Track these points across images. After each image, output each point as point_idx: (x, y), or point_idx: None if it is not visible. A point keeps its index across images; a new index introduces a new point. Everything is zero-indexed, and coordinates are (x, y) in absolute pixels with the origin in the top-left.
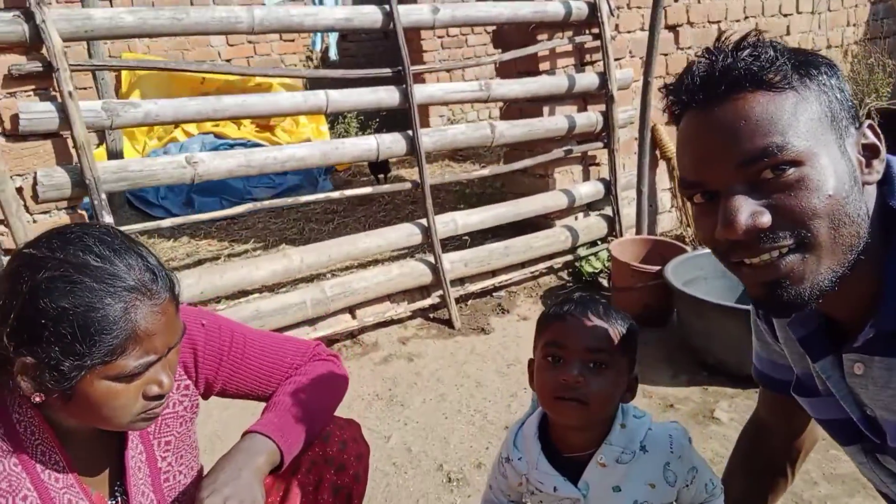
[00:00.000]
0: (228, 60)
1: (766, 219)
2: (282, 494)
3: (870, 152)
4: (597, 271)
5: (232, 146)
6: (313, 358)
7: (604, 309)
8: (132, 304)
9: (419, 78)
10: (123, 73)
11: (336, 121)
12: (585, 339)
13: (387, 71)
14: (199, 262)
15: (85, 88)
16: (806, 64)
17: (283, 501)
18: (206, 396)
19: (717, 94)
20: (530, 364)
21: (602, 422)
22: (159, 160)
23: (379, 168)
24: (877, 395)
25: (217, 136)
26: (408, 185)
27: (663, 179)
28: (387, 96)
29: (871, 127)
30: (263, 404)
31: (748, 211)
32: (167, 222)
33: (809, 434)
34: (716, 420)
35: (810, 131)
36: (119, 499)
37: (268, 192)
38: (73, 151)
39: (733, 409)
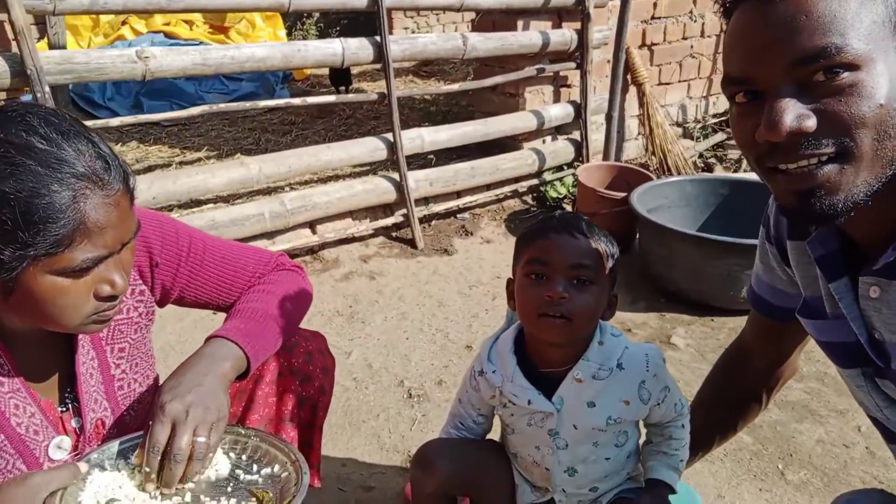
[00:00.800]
0: None
1: (811, 122)
2: (244, 404)
3: None
4: (561, 196)
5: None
6: (277, 268)
7: (586, 226)
8: (81, 193)
9: None
10: None
11: (294, 26)
12: (569, 255)
13: None
14: (150, 169)
15: None
16: None
17: (245, 411)
18: (162, 304)
19: None
20: (509, 283)
21: (581, 338)
22: (108, 52)
23: (340, 78)
24: (890, 318)
25: (167, 35)
26: (374, 96)
27: (632, 106)
28: None
29: None
30: (221, 316)
31: (794, 113)
32: (115, 121)
33: (790, 363)
34: (672, 346)
35: (872, 34)
36: (70, 406)
37: (221, 98)
38: (11, 39)
39: (689, 335)
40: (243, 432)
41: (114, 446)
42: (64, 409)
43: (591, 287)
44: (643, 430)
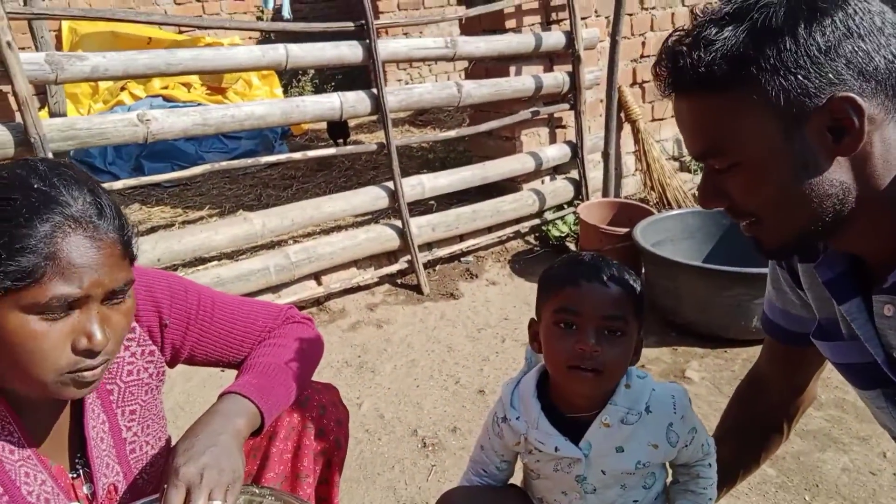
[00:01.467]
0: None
1: (719, 205)
2: (259, 462)
3: (838, 132)
4: (563, 235)
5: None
6: (287, 321)
7: (617, 271)
8: (61, 229)
9: (380, 35)
10: (64, 32)
11: (290, 83)
12: (601, 306)
13: (349, 24)
14: (153, 230)
15: (23, 49)
16: (760, 44)
17: (260, 469)
18: (172, 364)
19: (669, 89)
20: (532, 324)
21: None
22: (109, 117)
23: (338, 132)
24: None
25: (166, 98)
26: (373, 147)
27: (628, 142)
28: (349, 52)
29: (843, 101)
30: (230, 374)
31: (706, 194)
32: (118, 184)
33: (809, 390)
34: (687, 380)
35: (747, 130)
36: (81, 471)
37: (221, 157)
38: (14, 109)
39: (703, 368)
40: (258, 491)
41: None
42: (75, 475)
43: (623, 338)
44: (669, 470)
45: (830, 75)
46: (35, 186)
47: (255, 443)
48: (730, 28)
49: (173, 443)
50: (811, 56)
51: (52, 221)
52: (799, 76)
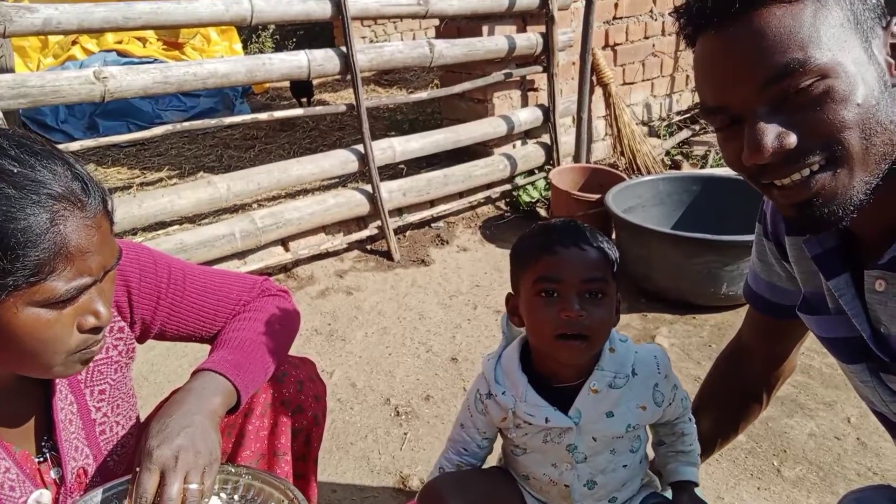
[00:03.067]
0: None
1: (792, 139)
2: (234, 440)
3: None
4: (534, 200)
5: (137, 65)
6: (262, 293)
7: (590, 234)
8: (60, 215)
9: None
10: None
11: (249, 39)
12: (581, 269)
13: None
14: (110, 192)
15: None
16: None
17: (236, 447)
18: (142, 340)
19: (731, 13)
20: (510, 298)
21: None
22: (64, 74)
23: (302, 91)
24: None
25: (120, 53)
26: (342, 108)
27: (599, 106)
28: (317, 7)
29: None
30: (195, 344)
31: (773, 133)
32: (75, 145)
33: (790, 361)
34: (657, 346)
35: (832, 39)
36: (48, 455)
37: (179, 115)
38: None
39: (673, 334)
40: (234, 470)
41: (97, 495)
42: (41, 459)
43: (604, 299)
44: (649, 432)
45: (878, 8)
46: (11, 169)
47: (230, 420)
48: None
49: (142, 419)
50: None
51: (48, 208)
52: None
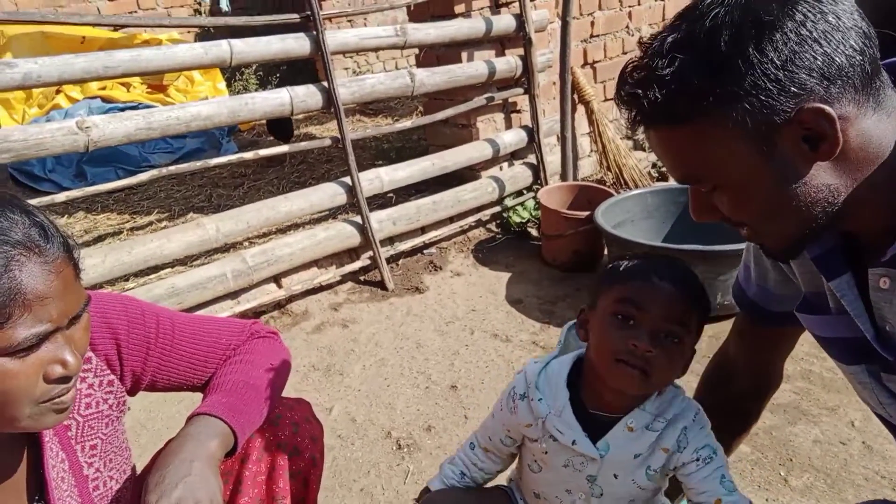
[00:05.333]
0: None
1: (713, 218)
2: (231, 486)
3: (813, 140)
4: (525, 221)
5: (122, 110)
6: (252, 336)
7: (690, 276)
8: (15, 260)
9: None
10: None
11: (233, 77)
12: (667, 308)
13: (294, 16)
14: (100, 238)
15: None
16: (713, 75)
17: (234, 494)
18: (133, 392)
19: (636, 123)
20: (582, 311)
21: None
22: (46, 127)
23: (280, 129)
24: None
25: (104, 99)
26: (327, 142)
27: (582, 124)
28: (296, 45)
29: (811, 112)
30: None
31: (697, 211)
32: (61, 196)
33: (776, 374)
34: None
35: (720, 155)
36: None
37: (166, 157)
38: None
39: None
40: None
41: None
42: None
43: (678, 346)
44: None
45: (793, 88)
46: None
47: (226, 467)
48: (679, 60)
49: (138, 471)
50: (768, 75)
51: (1, 253)
52: (761, 97)
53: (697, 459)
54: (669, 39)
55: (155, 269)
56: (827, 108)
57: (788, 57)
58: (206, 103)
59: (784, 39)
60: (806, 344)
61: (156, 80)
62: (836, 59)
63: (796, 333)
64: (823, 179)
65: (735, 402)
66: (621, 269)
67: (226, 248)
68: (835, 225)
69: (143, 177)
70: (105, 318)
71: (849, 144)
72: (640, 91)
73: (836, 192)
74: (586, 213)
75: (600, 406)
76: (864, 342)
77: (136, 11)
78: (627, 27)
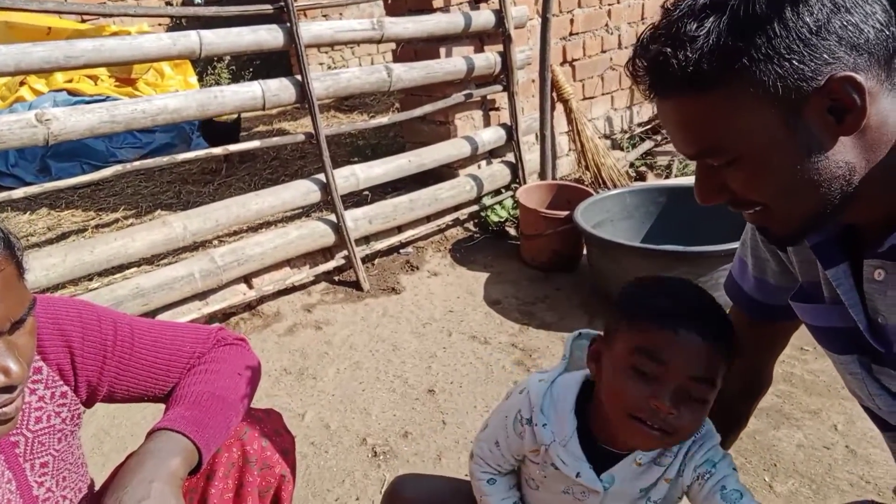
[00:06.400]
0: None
1: (720, 200)
2: None
3: (839, 112)
4: (503, 220)
5: (89, 104)
6: (217, 344)
7: (724, 324)
8: None
9: (299, 18)
10: None
11: (205, 71)
12: (695, 365)
13: (267, 7)
14: (63, 236)
15: None
16: (748, 34)
17: None
18: (89, 404)
19: (652, 93)
20: (595, 342)
21: None
22: (3, 119)
23: (224, 134)
24: (895, 301)
25: (71, 92)
26: (300, 137)
27: (560, 123)
28: (269, 37)
29: (842, 80)
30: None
31: (705, 191)
32: (19, 192)
33: (766, 376)
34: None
35: (744, 124)
36: None
37: (134, 152)
38: None
39: None
40: None
41: None
42: None
43: (704, 405)
44: None
45: (825, 55)
46: None
47: (191, 483)
48: (711, 20)
49: (97, 484)
50: (803, 38)
51: None
52: (793, 61)
53: (698, 478)
54: (702, 1)
55: (119, 268)
56: (858, 76)
57: (822, 22)
58: (174, 96)
59: (819, 4)
60: (788, 346)
61: (124, 74)
62: (865, 30)
63: (790, 330)
64: (844, 156)
65: (725, 404)
66: (642, 304)
67: (194, 248)
68: (844, 209)
69: (107, 172)
70: (57, 324)
71: (868, 121)
72: (669, 51)
73: (853, 171)
74: (566, 212)
75: (610, 441)
76: (857, 333)
77: (104, 2)
78: (607, 25)
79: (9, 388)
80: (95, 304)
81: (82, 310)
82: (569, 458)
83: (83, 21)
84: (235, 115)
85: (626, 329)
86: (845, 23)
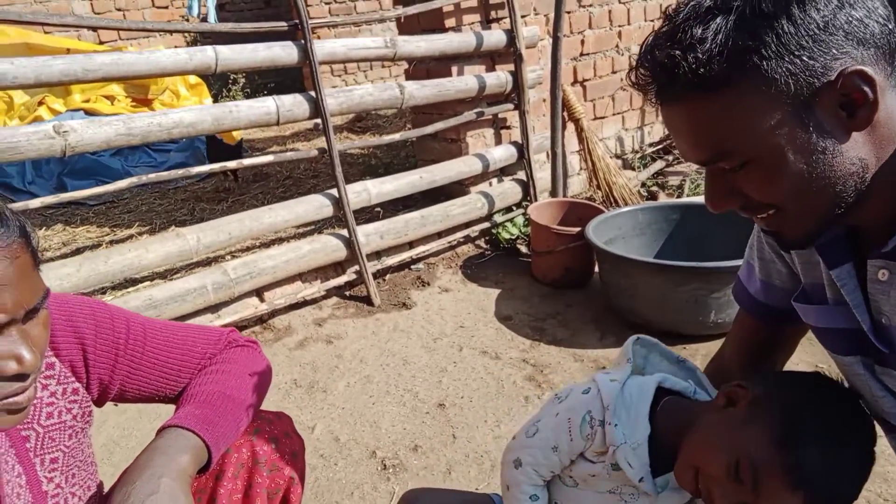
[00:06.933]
0: (95, 30)
1: (733, 206)
2: None
3: (850, 107)
4: (514, 237)
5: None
6: (228, 345)
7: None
8: None
9: (314, 36)
10: None
11: (220, 94)
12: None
13: (282, 24)
14: (78, 251)
15: None
16: (756, 33)
17: None
18: (100, 403)
19: (660, 99)
20: (741, 388)
21: None
22: (22, 129)
23: (227, 154)
24: None
25: (88, 112)
26: (314, 152)
27: (571, 142)
28: (284, 53)
29: (853, 75)
30: (169, 405)
31: (717, 197)
32: (36, 202)
33: None
34: None
35: (755, 124)
36: None
37: (149, 171)
38: None
39: None
40: None
41: None
42: None
43: None
44: None
45: (834, 50)
46: None
47: (200, 483)
48: (717, 21)
49: (106, 489)
50: (811, 34)
51: None
52: (803, 57)
53: None
54: (703, 4)
55: (133, 282)
56: (868, 69)
57: (829, 18)
58: (189, 110)
59: (825, 1)
60: (808, 357)
61: (140, 94)
62: (869, 24)
63: (797, 334)
64: (857, 152)
65: None
66: (802, 427)
67: (207, 263)
68: (857, 208)
69: (121, 184)
70: (71, 321)
71: (879, 116)
72: (678, 53)
73: (866, 167)
74: (577, 229)
75: (671, 449)
76: (860, 334)
77: (122, 19)
78: (617, 46)
79: (21, 377)
80: (108, 304)
81: (95, 308)
82: (636, 462)
83: (101, 44)
84: (240, 138)
85: (769, 441)
86: (851, 18)
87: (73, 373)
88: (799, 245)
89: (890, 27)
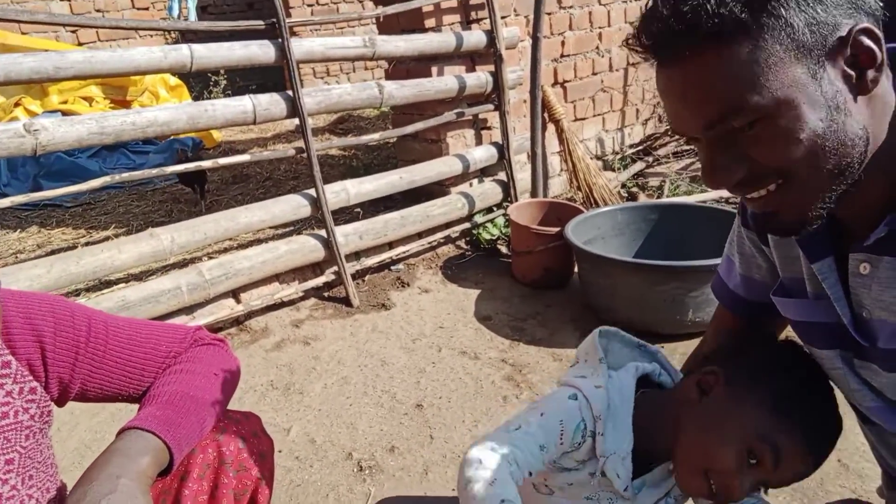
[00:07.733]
0: (74, 32)
1: (738, 174)
2: None
3: (861, 66)
4: (494, 238)
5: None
6: (194, 344)
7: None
8: None
9: (293, 35)
10: None
11: (200, 95)
12: (798, 478)
13: (260, 23)
14: (52, 254)
15: None
16: None
17: None
18: (61, 402)
19: (667, 56)
20: (712, 374)
21: None
22: None
23: (192, 178)
24: (880, 295)
25: (65, 114)
26: (291, 152)
27: (552, 143)
28: (261, 52)
29: (862, 33)
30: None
31: (721, 166)
32: (6, 202)
33: None
34: None
35: (770, 77)
36: None
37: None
38: None
39: None
40: None
41: None
42: None
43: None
44: None
45: (845, 6)
46: None
47: (164, 485)
48: None
49: (69, 491)
50: None
51: None
52: (818, 9)
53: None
54: None
55: (107, 284)
56: (876, 28)
57: None
58: (164, 108)
59: None
60: None
61: (119, 96)
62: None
63: (777, 330)
64: (863, 117)
65: None
66: (783, 387)
67: (183, 264)
68: (847, 198)
69: (94, 183)
70: (29, 318)
71: (877, 88)
72: (693, 3)
73: (869, 137)
74: (556, 229)
75: (651, 451)
76: (840, 327)
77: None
78: (597, 48)
79: None
80: (70, 301)
81: (55, 305)
82: (623, 472)
83: (79, 45)
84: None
85: (768, 414)
86: None
87: (31, 371)
88: (794, 229)
89: (881, 6)
